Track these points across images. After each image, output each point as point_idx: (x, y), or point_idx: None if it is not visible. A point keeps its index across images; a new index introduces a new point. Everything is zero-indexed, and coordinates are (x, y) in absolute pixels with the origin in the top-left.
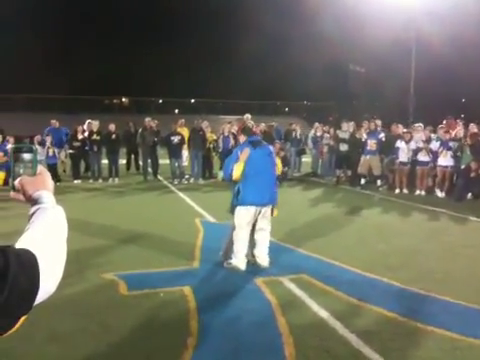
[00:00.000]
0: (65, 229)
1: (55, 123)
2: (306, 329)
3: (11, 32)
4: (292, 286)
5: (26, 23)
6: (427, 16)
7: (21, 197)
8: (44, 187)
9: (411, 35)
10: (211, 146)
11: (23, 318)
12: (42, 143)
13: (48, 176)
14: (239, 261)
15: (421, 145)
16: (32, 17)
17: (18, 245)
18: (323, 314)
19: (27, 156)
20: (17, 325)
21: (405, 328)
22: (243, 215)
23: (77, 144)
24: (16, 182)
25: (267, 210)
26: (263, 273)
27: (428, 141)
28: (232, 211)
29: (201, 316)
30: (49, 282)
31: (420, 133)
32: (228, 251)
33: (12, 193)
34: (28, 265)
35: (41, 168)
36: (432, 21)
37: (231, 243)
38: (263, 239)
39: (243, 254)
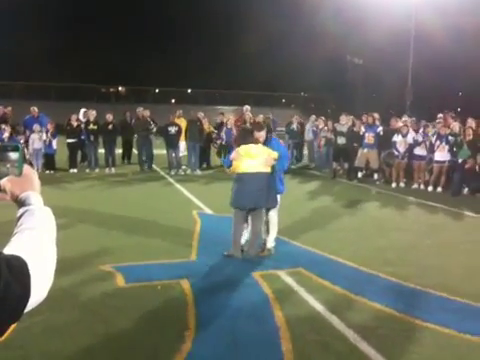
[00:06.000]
0: (54, 231)
1: (34, 111)
2: (303, 323)
3: (9, 20)
4: (289, 280)
5: (24, 11)
6: (425, 8)
7: (7, 197)
8: (31, 188)
9: (409, 27)
10: (213, 137)
11: (13, 326)
12: (41, 132)
13: (35, 176)
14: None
15: (420, 139)
16: (31, 5)
17: (7, 251)
18: (320, 308)
19: (13, 155)
20: (7, 333)
21: (402, 324)
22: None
23: (73, 140)
24: (1, 182)
25: None
26: (260, 266)
27: (427, 134)
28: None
29: (198, 309)
30: (40, 288)
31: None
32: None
33: None
34: (19, 272)
35: (27, 168)
36: (430, 13)
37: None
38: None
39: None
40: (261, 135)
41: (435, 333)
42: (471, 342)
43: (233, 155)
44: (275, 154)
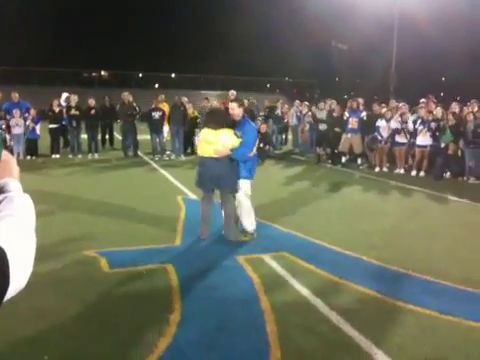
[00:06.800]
0: (33, 218)
1: (15, 96)
2: (288, 306)
3: None
4: (274, 264)
5: None
6: None
7: None
8: (9, 174)
9: (394, 13)
10: (197, 121)
11: None
12: (25, 119)
13: (13, 162)
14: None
15: (399, 126)
16: None
17: None
18: (304, 292)
19: None
20: None
21: (385, 306)
22: (249, 187)
23: (55, 125)
24: None
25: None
26: (245, 250)
27: (405, 122)
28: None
29: (183, 293)
30: (20, 277)
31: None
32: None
33: None
34: None
35: (6, 154)
36: None
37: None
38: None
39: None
40: (232, 107)
41: (417, 315)
42: (453, 323)
43: (197, 138)
44: (233, 143)
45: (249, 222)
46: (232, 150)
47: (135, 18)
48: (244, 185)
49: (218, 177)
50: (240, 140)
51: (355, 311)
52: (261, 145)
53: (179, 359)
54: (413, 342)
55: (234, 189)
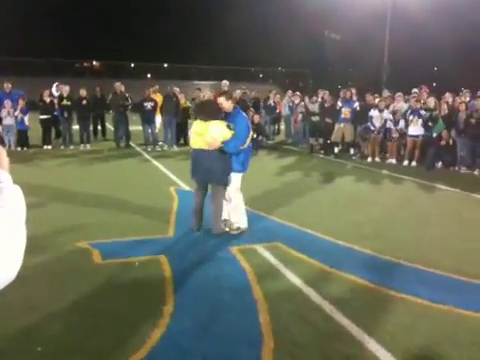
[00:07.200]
0: (23, 210)
1: (7, 86)
2: (280, 296)
3: None
4: (267, 254)
5: None
6: None
7: None
8: None
9: (387, 2)
10: (190, 112)
11: None
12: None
13: (3, 153)
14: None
15: (392, 120)
16: None
17: None
18: (297, 281)
19: None
20: None
21: (377, 295)
22: (240, 181)
23: (46, 116)
24: None
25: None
26: (238, 241)
27: (396, 114)
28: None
29: (176, 284)
30: (9, 270)
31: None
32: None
33: None
34: None
35: None
36: None
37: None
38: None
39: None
40: (220, 101)
41: (409, 303)
42: (444, 312)
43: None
44: (224, 135)
45: (239, 218)
46: (223, 142)
47: (127, 8)
48: (236, 179)
49: (209, 170)
50: (232, 132)
51: (347, 300)
52: (254, 136)
53: (173, 349)
54: (405, 331)
55: (225, 183)
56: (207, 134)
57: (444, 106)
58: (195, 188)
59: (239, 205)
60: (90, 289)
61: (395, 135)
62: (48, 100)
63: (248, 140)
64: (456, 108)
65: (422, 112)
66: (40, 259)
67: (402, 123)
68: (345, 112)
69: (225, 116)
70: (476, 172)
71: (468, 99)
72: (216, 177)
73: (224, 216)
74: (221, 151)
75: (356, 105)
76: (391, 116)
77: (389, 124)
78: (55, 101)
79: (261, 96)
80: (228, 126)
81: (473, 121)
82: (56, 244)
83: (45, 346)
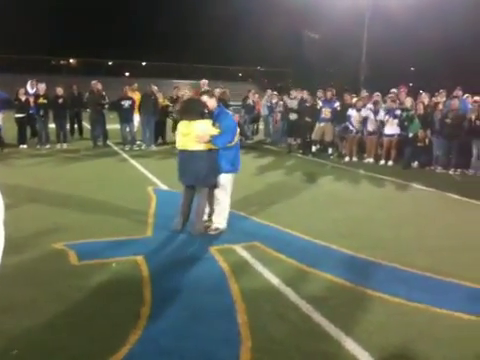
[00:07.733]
0: (2, 210)
1: None
2: (258, 295)
3: None
4: (245, 254)
5: None
6: None
7: None
8: None
9: (365, 2)
10: (169, 110)
11: None
12: None
13: None
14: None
15: (371, 116)
16: None
17: None
18: (275, 281)
19: None
20: None
21: (353, 294)
22: (230, 182)
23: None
24: None
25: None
26: (216, 241)
27: (376, 112)
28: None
29: (154, 285)
30: None
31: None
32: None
33: None
34: None
35: None
36: None
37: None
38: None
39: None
40: (205, 99)
41: (386, 302)
42: (420, 310)
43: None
44: (210, 132)
45: (221, 218)
46: (212, 137)
47: (105, 4)
48: (225, 180)
49: (196, 172)
50: (218, 130)
51: (324, 299)
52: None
53: (151, 350)
54: (382, 329)
55: (212, 184)
56: (192, 133)
57: (420, 106)
58: (183, 188)
59: (226, 208)
60: (67, 290)
61: (372, 127)
62: (23, 98)
63: (236, 137)
64: (432, 108)
65: (397, 112)
66: (15, 260)
67: (382, 113)
68: (325, 112)
69: (209, 115)
70: (451, 172)
71: (444, 99)
72: (202, 180)
73: (204, 217)
74: (209, 151)
75: (337, 105)
76: (372, 107)
77: (368, 113)
78: (31, 99)
79: (240, 95)
80: (213, 124)
81: (449, 121)
82: (32, 245)
83: (21, 348)
